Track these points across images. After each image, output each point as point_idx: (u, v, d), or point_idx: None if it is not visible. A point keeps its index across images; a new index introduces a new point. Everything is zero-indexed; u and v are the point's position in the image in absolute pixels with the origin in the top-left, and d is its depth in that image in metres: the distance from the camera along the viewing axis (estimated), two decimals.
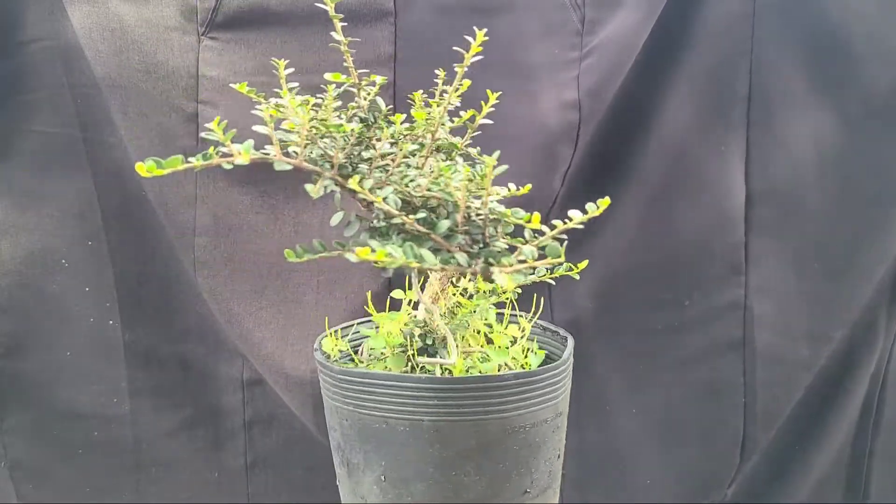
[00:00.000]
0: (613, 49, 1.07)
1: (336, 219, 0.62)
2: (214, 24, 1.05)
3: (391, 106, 1.07)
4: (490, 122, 0.73)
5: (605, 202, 0.55)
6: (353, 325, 0.84)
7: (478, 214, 0.60)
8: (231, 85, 0.66)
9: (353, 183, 0.58)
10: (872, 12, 1.06)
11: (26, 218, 1.07)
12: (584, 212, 0.57)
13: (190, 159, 0.53)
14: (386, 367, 0.72)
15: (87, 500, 1.12)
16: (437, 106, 0.67)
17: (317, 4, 0.67)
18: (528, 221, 0.58)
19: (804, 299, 1.13)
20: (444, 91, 0.69)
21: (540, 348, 0.80)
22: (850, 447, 1.19)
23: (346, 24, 1.06)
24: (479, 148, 0.75)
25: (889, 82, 1.06)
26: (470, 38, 0.65)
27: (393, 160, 0.65)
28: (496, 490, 0.68)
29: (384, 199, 0.58)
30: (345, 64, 0.69)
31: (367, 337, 0.80)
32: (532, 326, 0.81)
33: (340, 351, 0.78)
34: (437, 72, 0.71)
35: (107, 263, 1.09)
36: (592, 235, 1.14)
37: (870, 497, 1.19)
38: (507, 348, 0.76)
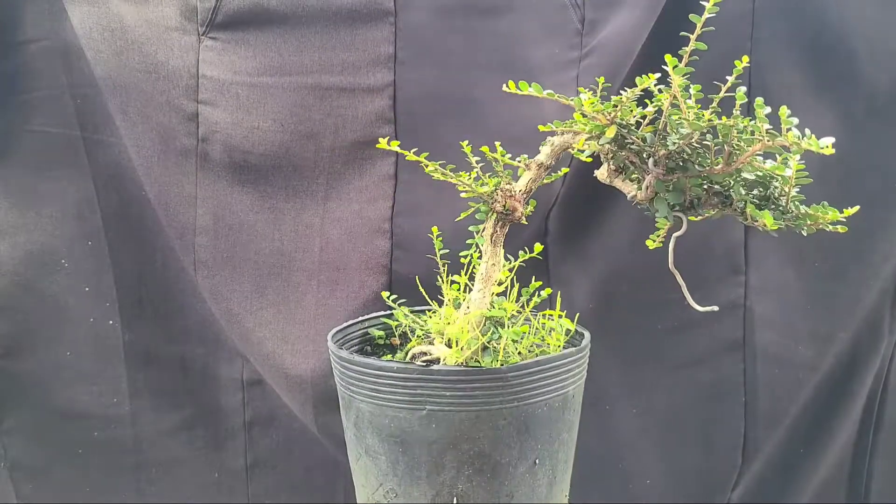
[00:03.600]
0: (613, 49, 1.07)
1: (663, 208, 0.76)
2: (214, 24, 1.05)
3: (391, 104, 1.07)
4: None
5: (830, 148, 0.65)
6: (355, 324, 0.87)
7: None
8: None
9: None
10: (872, 12, 1.06)
11: (26, 218, 1.07)
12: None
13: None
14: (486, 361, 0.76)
15: (87, 500, 1.12)
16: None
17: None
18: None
19: (805, 299, 1.12)
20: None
21: None
22: (853, 447, 1.19)
23: (346, 23, 1.07)
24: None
25: (889, 82, 1.06)
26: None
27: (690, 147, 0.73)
28: (579, 440, 0.80)
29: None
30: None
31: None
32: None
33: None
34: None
35: (107, 263, 1.09)
36: (593, 235, 1.14)
37: (870, 497, 1.19)
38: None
